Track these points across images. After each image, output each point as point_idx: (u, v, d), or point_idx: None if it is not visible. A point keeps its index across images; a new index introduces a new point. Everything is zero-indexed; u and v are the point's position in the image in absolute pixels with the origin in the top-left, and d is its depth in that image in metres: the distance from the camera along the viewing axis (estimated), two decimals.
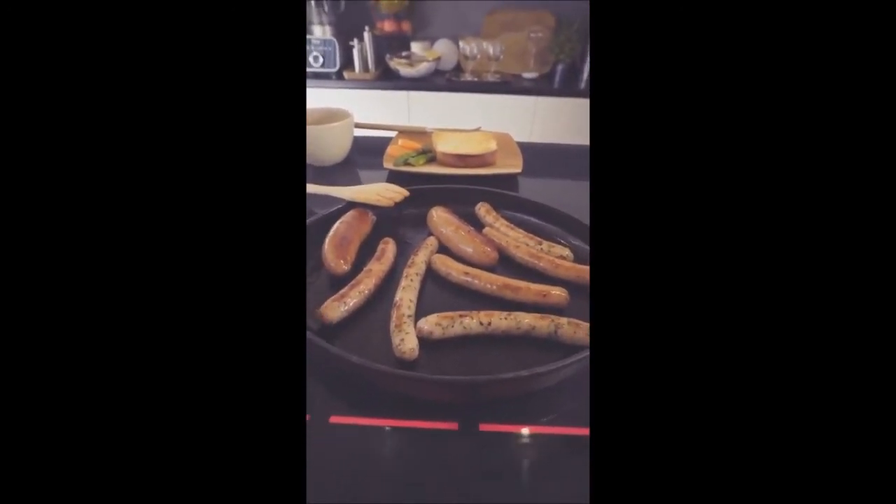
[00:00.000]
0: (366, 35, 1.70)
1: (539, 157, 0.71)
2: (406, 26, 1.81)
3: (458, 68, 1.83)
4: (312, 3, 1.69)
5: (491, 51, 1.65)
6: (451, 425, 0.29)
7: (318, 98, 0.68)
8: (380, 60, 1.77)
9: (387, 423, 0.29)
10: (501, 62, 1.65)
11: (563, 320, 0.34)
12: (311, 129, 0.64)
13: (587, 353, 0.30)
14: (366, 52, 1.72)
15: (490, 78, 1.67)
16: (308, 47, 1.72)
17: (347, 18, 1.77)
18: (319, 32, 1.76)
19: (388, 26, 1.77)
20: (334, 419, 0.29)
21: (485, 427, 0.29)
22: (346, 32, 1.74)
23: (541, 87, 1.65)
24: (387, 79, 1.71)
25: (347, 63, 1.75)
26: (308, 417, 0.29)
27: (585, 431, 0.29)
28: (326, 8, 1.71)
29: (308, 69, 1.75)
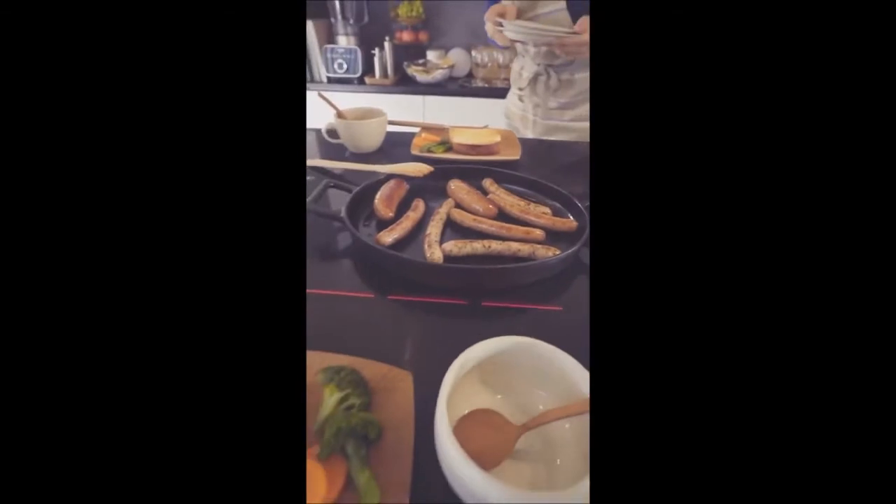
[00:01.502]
0: (386, 44, 1.88)
1: (535, 149, 0.89)
2: (423, 36, 1.99)
3: (471, 75, 2.01)
4: (339, 15, 1.88)
5: (501, 59, 1.83)
6: (462, 301, 0.45)
7: (341, 100, 0.86)
8: (398, 67, 1.96)
9: (420, 299, 0.46)
10: (510, 70, 1.83)
11: (539, 246, 0.51)
12: (353, 124, 0.81)
13: (552, 259, 0.47)
14: (385, 59, 1.90)
15: (499, 84, 1.84)
16: (333, 55, 1.91)
17: (369, 29, 1.95)
18: (344, 42, 1.95)
19: (406, 36, 1.96)
20: (392, 297, 0.46)
21: (486, 303, 0.45)
22: (368, 42, 1.93)
23: None
24: (404, 84, 1.89)
25: (368, 70, 1.93)
26: (373, 295, 0.46)
27: (559, 308, 0.45)
28: (352, 20, 1.90)
29: (332, 74, 1.94)
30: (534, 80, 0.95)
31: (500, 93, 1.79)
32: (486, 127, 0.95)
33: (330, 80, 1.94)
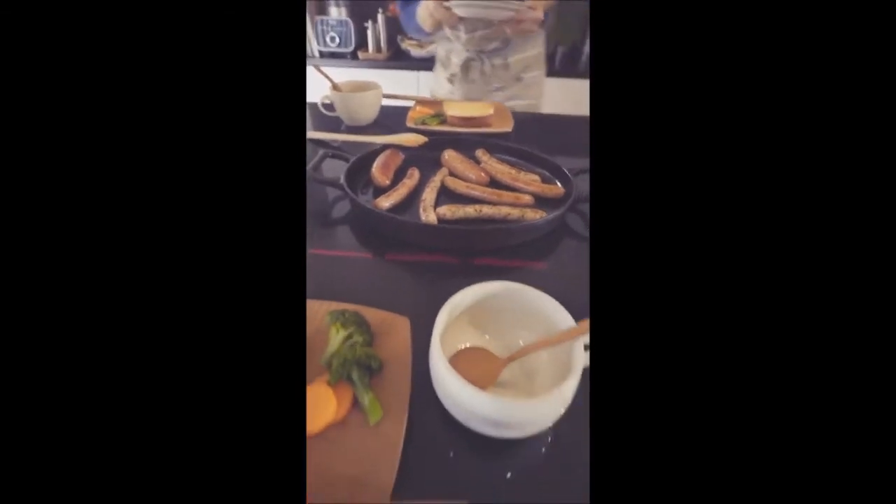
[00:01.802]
0: (379, 17, 1.85)
1: (527, 122, 0.91)
2: None
3: None
4: None
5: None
6: (454, 260, 0.49)
7: (334, 75, 0.87)
8: (392, 41, 1.93)
9: (416, 258, 0.49)
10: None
11: (528, 210, 0.54)
12: (349, 96, 0.83)
13: (539, 220, 0.50)
14: (379, 33, 1.87)
15: None
16: (325, 27, 1.88)
17: (361, 2, 1.91)
18: (335, 13, 1.91)
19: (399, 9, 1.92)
20: (389, 257, 0.49)
21: (477, 261, 0.49)
22: (360, 14, 1.89)
23: None
24: (398, 59, 1.87)
25: (362, 43, 1.91)
26: (371, 255, 0.49)
27: (544, 266, 0.49)
28: None
29: (325, 49, 1.91)
30: (465, 66, 0.96)
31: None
32: (479, 100, 0.96)
33: (322, 55, 1.92)
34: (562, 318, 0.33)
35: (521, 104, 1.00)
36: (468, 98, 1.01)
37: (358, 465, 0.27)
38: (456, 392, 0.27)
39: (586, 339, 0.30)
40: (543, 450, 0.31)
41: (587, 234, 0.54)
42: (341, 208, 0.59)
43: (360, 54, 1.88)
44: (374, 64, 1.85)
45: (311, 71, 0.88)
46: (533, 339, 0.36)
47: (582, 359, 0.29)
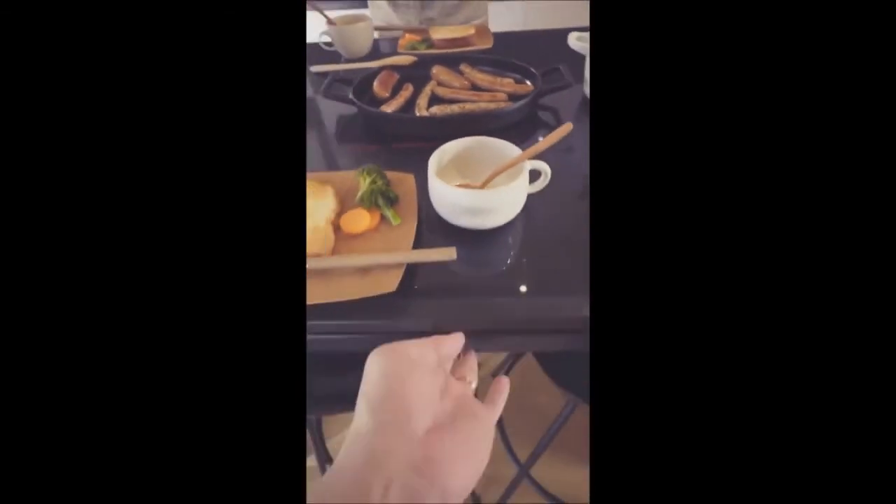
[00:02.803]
0: None
1: (505, 38, 1.00)
2: None
3: None
4: None
5: None
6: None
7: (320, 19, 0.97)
8: None
9: (415, 145, 0.63)
10: None
11: (503, 104, 0.67)
12: (344, 29, 0.93)
13: (510, 107, 0.64)
14: None
15: None
16: None
17: None
18: None
19: None
20: (395, 146, 0.64)
21: None
22: None
23: None
24: None
25: None
26: (380, 146, 0.64)
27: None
28: None
29: None
30: None
31: None
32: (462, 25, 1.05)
33: None
34: (516, 153, 0.47)
35: (465, 25, 1.07)
36: (407, 23, 1.09)
37: (390, 246, 0.44)
38: (444, 193, 0.43)
39: (531, 162, 0.45)
40: (510, 239, 0.47)
41: (556, 124, 0.67)
42: (352, 119, 0.73)
43: None
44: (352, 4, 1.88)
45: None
46: None
47: (526, 172, 0.44)
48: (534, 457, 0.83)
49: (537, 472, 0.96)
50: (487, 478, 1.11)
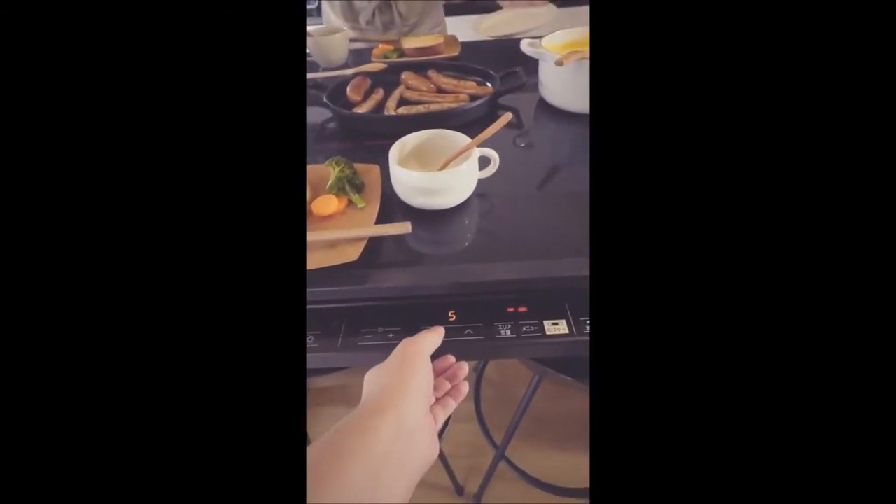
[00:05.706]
0: None
1: (472, 47, 1.08)
2: None
3: None
4: None
5: None
6: None
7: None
8: None
9: (384, 143, 0.69)
10: None
11: (465, 103, 0.73)
12: (320, 40, 1.00)
13: (469, 105, 0.70)
14: None
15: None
16: None
17: None
18: None
19: None
20: (366, 143, 0.69)
21: None
22: None
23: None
24: None
25: None
26: (352, 144, 0.69)
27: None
28: None
29: None
30: (375, 14, 1.10)
31: (457, 9, 1.90)
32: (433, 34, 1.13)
33: None
34: (467, 140, 0.53)
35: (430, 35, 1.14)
36: (385, 36, 1.16)
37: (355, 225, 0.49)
38: (401, 176, 0.49)
39: (481, 150, 0.51)
40: (466, 220, 0.52)
41: (516, 121, 0.74)
42: (328, 122, 0.79)
43: None
44: None
45: None
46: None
47: (475, 157, 0.50)
48: (508, 435, 0.88)
49: (518, 457, 1.00)
50: (469, 468, 1.15)
